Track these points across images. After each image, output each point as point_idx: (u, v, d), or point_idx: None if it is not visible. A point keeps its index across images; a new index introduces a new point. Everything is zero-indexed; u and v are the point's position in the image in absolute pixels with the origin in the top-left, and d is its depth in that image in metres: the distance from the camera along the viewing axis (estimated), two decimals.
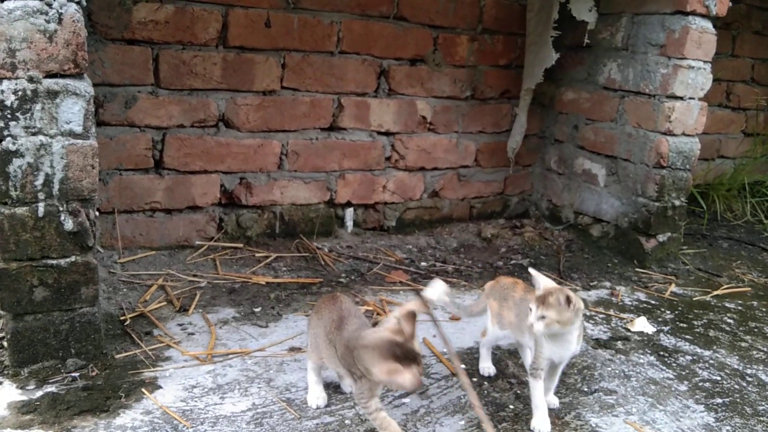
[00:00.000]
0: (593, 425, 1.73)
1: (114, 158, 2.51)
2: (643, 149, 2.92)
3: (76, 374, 1.76)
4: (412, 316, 1.45)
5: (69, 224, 1.71)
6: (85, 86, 1.66)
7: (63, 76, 1.63)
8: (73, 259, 1.75)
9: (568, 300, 1.57)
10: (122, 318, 2.08)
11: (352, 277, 2.60)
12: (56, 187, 1.67)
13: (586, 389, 1.91)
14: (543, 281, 1.66)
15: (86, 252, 1.77)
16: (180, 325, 2.09)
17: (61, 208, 1.69)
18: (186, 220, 2.69)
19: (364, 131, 2.95)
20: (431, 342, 2.11)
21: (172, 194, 2.64)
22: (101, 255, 2.48)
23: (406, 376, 1.38)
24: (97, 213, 1.79)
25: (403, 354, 1.40)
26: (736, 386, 2.00)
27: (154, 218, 2.64)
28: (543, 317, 1.59)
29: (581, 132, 3.22)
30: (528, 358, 1.80)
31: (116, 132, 2.50)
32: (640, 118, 2.93)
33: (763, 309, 2.61)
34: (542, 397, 1.68)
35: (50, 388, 1.69)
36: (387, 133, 3.01)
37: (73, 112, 1.66)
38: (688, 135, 2.91)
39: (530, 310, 1.62)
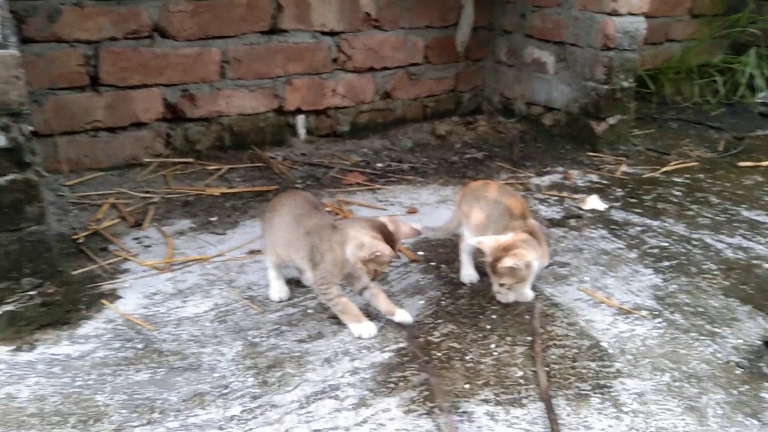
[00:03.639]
0: (548, 294, 1.81)
1: (45, 77, 2.39)
2: (590, 32, 2.90)
3: (33, 292, 1.73)
4: (397, 223, 1.63)
5: (1, 140, 1.64)
6: None
7: None
8: (11, 177, 1.68)
9: (511, 267, 1.62)
10: (75, 237, 2.04)
11: (308, 183, 2.59)
12: None
13: None
14: (487, 243, 1.67)
15: (24, 169, 1.70)
16: (136, 239, 2.07)
17: None
18: (131, 138, 2.61)
19: (306, 32, 2.85)
20: None
21: (114, 111, 2.55)
22: (46, 179, 2.40)
23: (386, 246, 1.52)
24: (30, 128, 1.71)
25: (387, 235, 1.56)
26: (683, 250, 2.09)
27: (97, 138, 2.55)
28: (503, 285, 1.68)
29: (529, 20, 3.17)
30: None
31: (44, 49, 2.37)
32: (586, 0, 2.89)
33: (709, 180, 2.70)
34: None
35: (8, 308, 1.66)
36: (331, 33, 2.91)
37: None
38: (634, 14, 2.89)
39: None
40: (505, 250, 1.64)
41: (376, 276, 1.60)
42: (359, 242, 1.54)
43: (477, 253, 1.86)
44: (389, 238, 1.56)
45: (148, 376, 1.45)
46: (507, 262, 1.62)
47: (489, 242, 1.67)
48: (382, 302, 1.63)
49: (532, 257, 1.65)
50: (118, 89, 2.53)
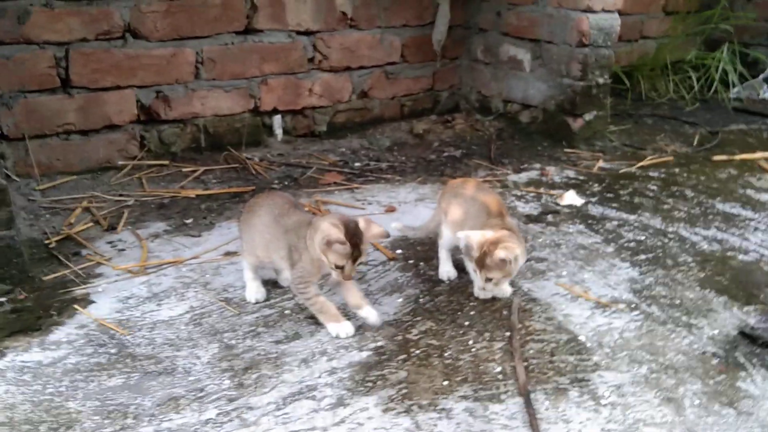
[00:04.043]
0: (526, 290, 1.81)
1: (15, 80, 2.35)
2: (565, 29, 2.92)
3: (3, 299, 1.70)
4: (370, 223, 1.56)
5: None
6: None
7: None
8: None
9: (503, 260, 1.61)
10: (47, 242, 2.00)
11: (286, 183, 2.57)
12: None
13: None
14: (475, 237, 1.65)
15: None
16: (109, 242, 2.04)
17: None
18: (105, 141, 2.57)
19: (282, 32, 2.82)
20: None
21: (86, 114, 2.50)
22: (17, 184, 2.36)
23: (339, 233, 1.48)
24: (2, 132, 1.68)
25: (352, 232, 1.51)
26: (659, 243, 2.11)
27: (69, 141, 2.51)
28: (490, 279, 1.66)
29: (504, 18, 3.18)
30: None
31: (12, 51, 2.33)
32: None
33: (684, 175, 2.73)
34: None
35: None
36: (307, 33, 2.89)
37: None
38: (608, 11, 2.91)
39: (474, 270, 1.68)
40: (494, 244, 1.63)
41: (344, 275, 1.55)
42: (319, 228, 1.51)
43: (455, 250, 1.85)
44: (354, 233, 1.51)
45: (122, 382, 1.42)
46: (500, 254, 1.61)
47: (476, 236, 1.65)
48: (351, 295, 1.62)
49: (519, 251, 1.65)
50: (90, 91, 2.49)
